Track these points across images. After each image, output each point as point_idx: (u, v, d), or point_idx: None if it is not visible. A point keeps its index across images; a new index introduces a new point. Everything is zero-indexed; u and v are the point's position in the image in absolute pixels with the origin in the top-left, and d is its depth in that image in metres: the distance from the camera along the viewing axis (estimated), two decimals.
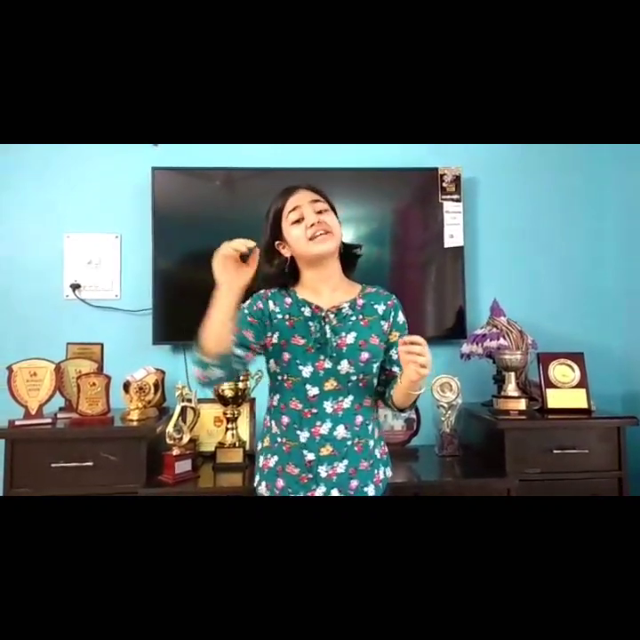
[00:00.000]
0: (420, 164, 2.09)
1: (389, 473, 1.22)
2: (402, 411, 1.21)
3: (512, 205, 2.19)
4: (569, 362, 1.82)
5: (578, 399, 1.77)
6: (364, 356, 1.13)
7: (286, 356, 1.12)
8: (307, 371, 1.11)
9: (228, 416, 1.77)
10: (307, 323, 1.14)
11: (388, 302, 1.21)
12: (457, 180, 2.09)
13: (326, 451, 1.10)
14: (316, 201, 1.15)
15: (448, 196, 2.10)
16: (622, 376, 2.12)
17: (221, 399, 1.75)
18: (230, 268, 0.99)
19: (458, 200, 2.09)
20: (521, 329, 1.88)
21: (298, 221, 1.13)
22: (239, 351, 1.09)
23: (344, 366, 1.11)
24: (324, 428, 1.11)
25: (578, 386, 1.79)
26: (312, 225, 1.12)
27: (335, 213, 1.19)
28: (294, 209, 1.14)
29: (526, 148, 2.15)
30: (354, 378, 1.13)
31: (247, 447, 1.78)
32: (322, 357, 1.11)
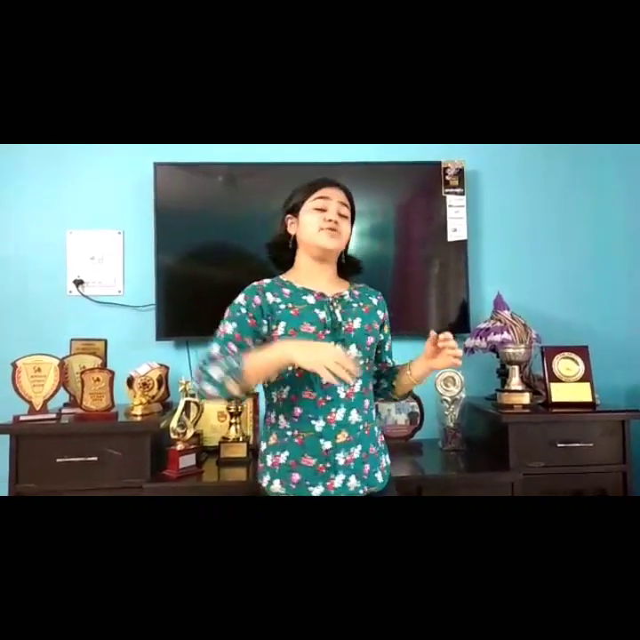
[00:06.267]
0: (423, 157, 2.08)
1: (388, 460, 1.24)
2: (399, 399, 1.32)
3: (515, 199, 2.18)
4: (573, 355, 1.81)
5: (582, 393, 1.77)
6: (370, 340, 1.18)
7: None
8: None
9: (232, 411, 1.77)
10: (312, 309, 1.15)
11: (378, 297, 1.28)
12: (460, 173, 2.08)
13: (342, 437, 1.11)
14: (343, 205, 1.20)
15: (451, 190, 2.09)
16: (627, 369, 2.12)
17: None
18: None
19: (461, 193, 2.08)
20: (525, 323, 1.87)
21: (319, 210, 1.17)
22: (240, 359, 1.04)
23: (353, 351, 1.14)
24: (339, 415, 1.11)
25: (582, 379, 1.78)
26: (330, 220, 1.16)
27: (352, 223, 1.25)
28: (323, 198, 1.17)
29: None
30: (361, 362, 1.15)
31: (251, 442, 1.79)
32: (332, 343, 1.11)
